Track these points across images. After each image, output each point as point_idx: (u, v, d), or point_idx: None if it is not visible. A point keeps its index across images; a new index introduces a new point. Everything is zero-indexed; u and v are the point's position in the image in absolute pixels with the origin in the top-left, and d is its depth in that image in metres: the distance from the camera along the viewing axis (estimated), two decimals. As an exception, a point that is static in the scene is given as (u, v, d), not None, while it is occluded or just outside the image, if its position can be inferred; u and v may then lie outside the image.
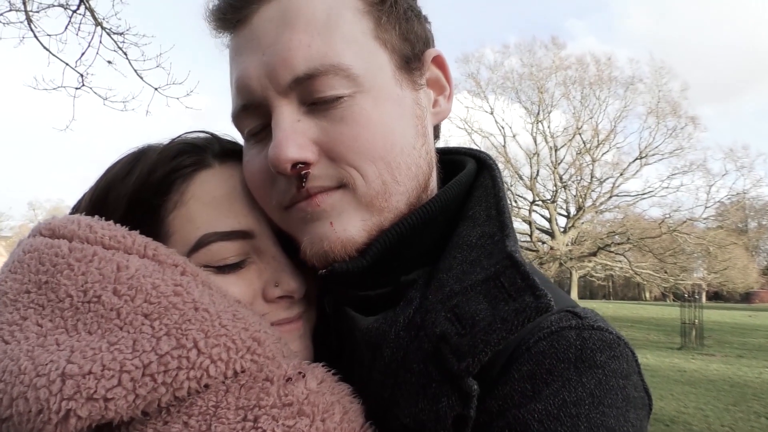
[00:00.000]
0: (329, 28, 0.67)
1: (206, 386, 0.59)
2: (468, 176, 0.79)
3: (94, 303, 0.61)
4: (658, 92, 34.87)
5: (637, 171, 34.51)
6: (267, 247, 0.77)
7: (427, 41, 0.79)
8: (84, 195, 0.80)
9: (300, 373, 0.63)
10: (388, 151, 0.69)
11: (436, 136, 0.85)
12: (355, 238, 0.70)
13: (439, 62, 0.80)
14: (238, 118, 0.74)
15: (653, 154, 34.43)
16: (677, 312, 17.12)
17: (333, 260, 0.70)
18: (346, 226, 0.70)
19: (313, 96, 0.68)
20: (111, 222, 0.69)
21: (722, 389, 9.14)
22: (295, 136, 0.67)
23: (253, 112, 0.72)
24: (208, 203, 0.74)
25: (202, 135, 0.83)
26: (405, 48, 0.74)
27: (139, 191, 0.74)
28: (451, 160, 0.85)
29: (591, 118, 34.41)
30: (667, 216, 33.00)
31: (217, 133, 0.85)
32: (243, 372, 0.62)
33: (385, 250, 0.71)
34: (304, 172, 0.67)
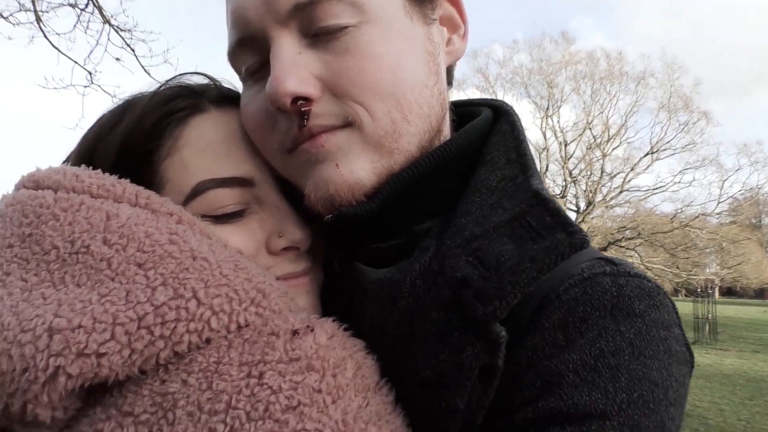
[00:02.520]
0: None
1: (207, 341, 0.55)
2: (485, 121, 0.75)
3: (82, 254, 0.57)
4: (669, 87, 34.56)
5: (648, 166, 34.21)
6: (269, 196, 0.73)
7: None
8: (72, 152, 0.76)
9: (308, 326, 0.58)
10: (397, 87, 0.64)
11: (450, 82, 0.79)
12: (362, 180, 0.65)
13: None
14: (234, 55, 0.69)
15: (665, 149, 34.13)
16: (690, 307, 16.98)
17: (339, 205, 0.66)
18: (353, 168, 0.65)
19: (315, 25, 0.63)
20: (99, 171, 0.65)
21: (737, 384, 9.03)
22: (295, 68, 0.62)
23: (251, 47, 0.67)
24: (203, 149, 0.69)
25: (197, 78, 0.78)
26: None
27: (130, 138, 0.69)
28: (466, 112, 0.81)
29: (601, 113, 34.16)
30: (679, 211, 32.74)
31: (215, 76, 0.80)
32: (247, 326, 0.57)
33: (395, 195, 0.66)
34: (305, 108, 0.62)
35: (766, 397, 8.03)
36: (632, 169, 33.58)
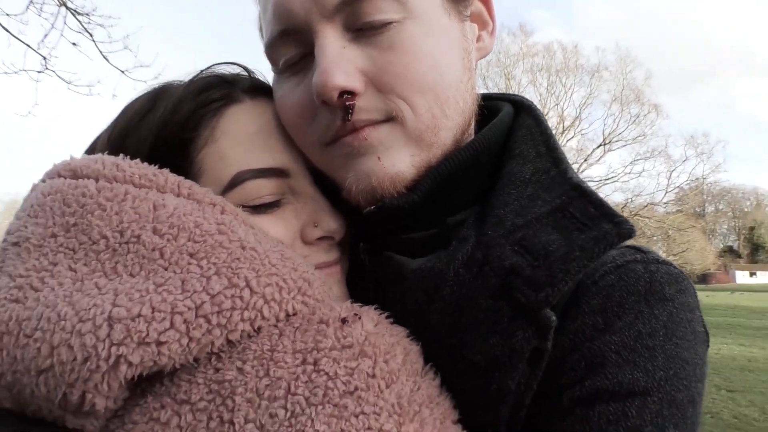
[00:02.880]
0: None
1: (258, 330, 0.56)
2: (508, 116, 0.77)
3: (133, 243, 0.57)
4: (622, 80, 35.48)
5: (601, 157, 35.12)
6: (303, 187, 0.74)
7: None
8: (97, 139, 0.75)
9: (356, 314, 0.60)
10: (438, 83, 0.66)
11: None
12: (404, 173, 0.67)
13: None
14: (274, 46, 0.70)
15: (617, 141, 35.07)
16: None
17: (381, 197, 0.68)
18: (395, 161, 0.67)
19: (360, 20, 0.64)
20: (137, 161, 0.65)
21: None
22: (342, 62, 0.63)
23: (292, 39, 0.68)
24: (240, 140, 0.70)
25: (230, 68, 0.79)
26: None
27: (165, 128, 0.69)
28: (487, 106, 0.81)
29: (557, 104, 34.84)
30: (629, 200, 33.77)
31: (247, 66, 0.80)
32: (294, 314, 0.59)
33: (434, 187, 0.68)
34: (350, 103, 0.63)
35: (709, 376, 8.46)
36: (585, 160, 34.42)
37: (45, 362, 0.49)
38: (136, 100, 0.74)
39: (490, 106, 0.80)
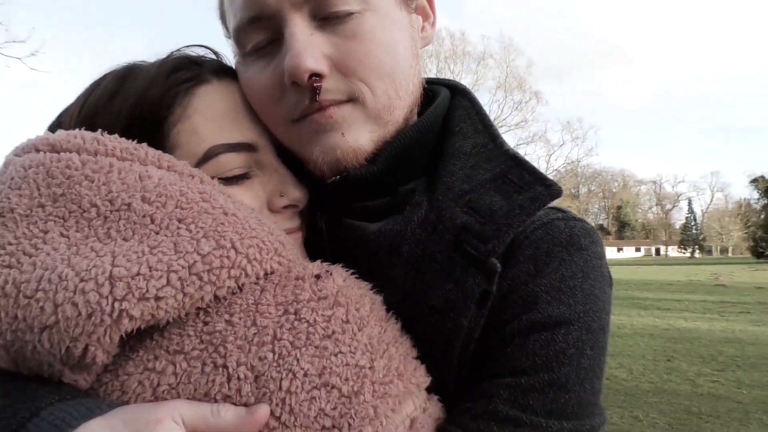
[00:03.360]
0: None
1: (241, 287, 0.62)
2: (446, 98, 0.87)
3: (124, 211, 0.61)
4: (506, 68, 37.23)
5: (487, 141, 36.79)
6: (269, 160, 0.80)
7: None
8: (61, 117, 0.79)
9: (327, 271, 0.67)
10: (393, 69, 0.75)
11: None
12: (364, 147, 0.75)
13: None
14: (243, 31, 0.75)
15: (501, 126, 36.91)
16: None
17: (344, 168, 0.75)
18: (357, 137, 0.75)
19: (326, 10, 0.71)
20: (116, 135, 0.69)
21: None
22: (311, 48, 0.70)
23: (262, 25, 0.73)
24: (212, 117, 0.76)
25: (195, 50, 0.85)
26: None
27: (139, 106, 0.74)
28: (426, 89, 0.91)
29: (444, 89, 35.91)
30: (513, 182, 35.73)
31: (214, 48, 0.87)
32: (272, 273, 0.65)
33: (390, 159, 0.77)
34: (317, 84, 0.70)
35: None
36: (472, 144, 35.85)
37: (49, 319, 0.53)
38: (103, 79, 0.79)
39: (429, 89, 0.88)
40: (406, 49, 0.78)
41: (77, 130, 0.69)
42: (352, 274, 0.71)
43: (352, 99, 0.74)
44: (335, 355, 0.60)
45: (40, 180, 0.62)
